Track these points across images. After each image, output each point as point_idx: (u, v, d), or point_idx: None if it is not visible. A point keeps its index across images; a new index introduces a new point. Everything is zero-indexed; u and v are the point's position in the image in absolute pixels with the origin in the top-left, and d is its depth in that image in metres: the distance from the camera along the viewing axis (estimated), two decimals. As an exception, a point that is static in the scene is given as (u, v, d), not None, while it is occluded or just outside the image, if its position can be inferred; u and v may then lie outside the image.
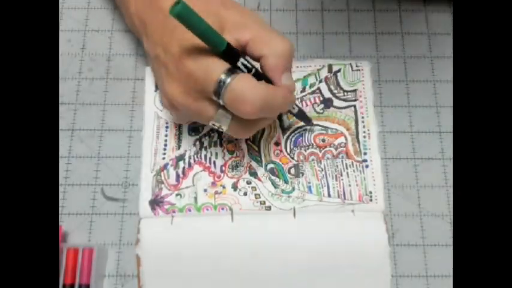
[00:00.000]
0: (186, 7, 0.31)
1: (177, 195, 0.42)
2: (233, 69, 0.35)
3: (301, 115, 0.42)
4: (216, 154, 0.43)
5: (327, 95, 0.45)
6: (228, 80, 0.34)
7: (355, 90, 0.45)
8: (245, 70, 0.35)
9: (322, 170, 0.43)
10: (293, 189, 0.42)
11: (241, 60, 0.35)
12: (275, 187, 0.42)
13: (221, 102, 0.35)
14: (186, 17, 0.32)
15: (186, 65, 0.35)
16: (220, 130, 0.38)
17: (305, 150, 0.43)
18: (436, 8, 0.49)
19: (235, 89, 0.34)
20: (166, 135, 0.43)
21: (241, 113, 0.35)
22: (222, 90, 0.34)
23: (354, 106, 0.45)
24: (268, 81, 0.37)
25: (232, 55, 0.35)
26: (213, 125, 0.37)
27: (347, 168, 0.43)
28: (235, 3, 0.39)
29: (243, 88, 0.34)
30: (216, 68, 0.34)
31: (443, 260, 0.41)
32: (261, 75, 0.36)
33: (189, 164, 0.43)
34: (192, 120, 0.42)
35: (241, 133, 0.39)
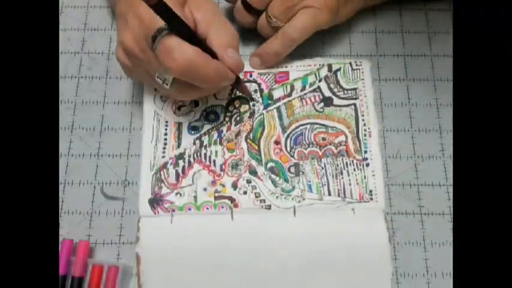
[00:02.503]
0: None
1: (176, 193, 0.42)
2: (173, 28, 0.36)
3: (242, 90, 0.44)
4: (216, 153, 0.43)
5: (327, 93, 0.45)
6: (165, 31, 0.35)
7: (355, 89, 0.45)
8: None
9: (323, 169, 0.42)
10: (293, 187, 0.42)
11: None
12: (275, 186, 0.42)
13: (154, 49, 0.36)
14: None
15: (139, 10, 0.36)
16: (164, 87, 0.38)
17: (305, 149, 0.43)
18: (436, 7, 0.49)
19: (167, 41, 0.35)
20: (166, 134, 0.43)
21: (165, 67, 0.36)
22: (157, 39, 0.35)
23: (354, 104, 0.45)
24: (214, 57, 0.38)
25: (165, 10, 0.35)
26: (158, 79, 0.38)
27: (347, 166, 0.42)
28: None
29: (175, 43, 0.35)
30: (159, 18, 0.35)
31: (444, 258, 0.40)
32: (202, 48, 0.37)
33: (189, 162, 0.43)
34: (141, 78, 0.42)
35: (180, 94, 0.40)
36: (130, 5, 0.38)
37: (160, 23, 0.35)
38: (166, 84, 0.38)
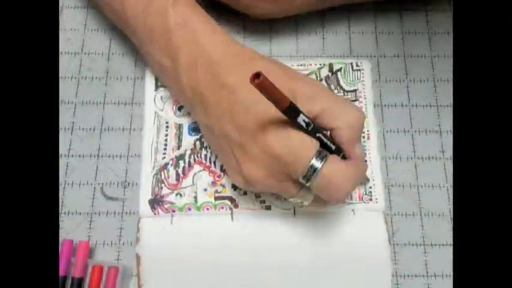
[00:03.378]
0: (266, 79, 0.29)
1: (177, 194, 0.42)
2: (321, 152, 0.33)
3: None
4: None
5: (327, 94, 0.45)
6: (319, 165, 0.33)
7: (355, 90, 0.45)
8: (304, 125, 0.33)
9: (323, 170, 0.42)
10: (293, 188, 0.42)
11: (302, 116, 0.33)
12: (275, 186, 0.42)
13: (309, 185, 0.34)
14: (268, 89, 0.30)
15: (273, 147, 0.33)
16: (300, 206, 0.37)
17: (305, 150, 0.43)
18: (436, 7, 0.49)
19: (327, 176, 0.33)
20: (166, 135, 0.43)
21: (332, 199, 0.34)
22: (313, 176, 0.33)
23: (354, 106, 0.44)
24: (335, 147, 0.35)
25: (294, 111, 0.32)
26: (294, 201, 0.36)
27: (347, 167, 0.42)
28: (301, 74, 0.38)
29: (336, 175, 0.33)
30: (305, 152, 0.33)
31: (444, 260, 0.41)
32: (322, 141, 0.35)
33: (189, 163, 0.43)
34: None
35: (321, 207, 0.39)
36: (246, 134, 0.34)
37: (307, 157, 0.33)
38: (302, 204, 0.36)
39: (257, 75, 0.29)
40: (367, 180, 0.42)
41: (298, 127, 0.33)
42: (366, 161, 0.41)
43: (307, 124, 0.33)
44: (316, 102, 0.35)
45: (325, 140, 0.35)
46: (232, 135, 0.35)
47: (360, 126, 0.36)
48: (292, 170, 0.33)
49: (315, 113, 0.35)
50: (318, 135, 0.34)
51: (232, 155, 0.35)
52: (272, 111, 0.32)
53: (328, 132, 0.36)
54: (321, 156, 0.33)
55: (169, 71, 0.39)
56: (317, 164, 0.33)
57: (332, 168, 0.33)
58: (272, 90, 0.30)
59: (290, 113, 0.32)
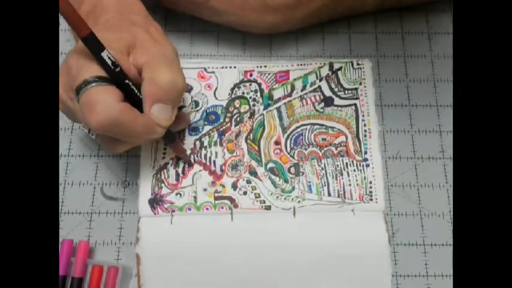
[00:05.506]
0: (68, 3, 0.32)
1: (176, 194, 0.42)
2: (106, 81, 0.34)
3: (176, 151, 0.42)
4: (216, 153, 0.43)
5: (328, 93, 0.45)
6: (91, 84, 0.33)
7: (356, 89, 0.45)
8: (109, 62, 0.34)
9: (323, 169, 0.42)
10: (293, 188, 0.42)
11: (106, 52, 0.34)
12: (275, 186, 0.42)
13: (77, 99, 0.34)
14: (68, 13, 0.32)
15: (69, 60, 0.35)
16: (91, 136, 0.37)
17: (305, 149, 0.43)
18: (436, 7, 0.49)
19: (90, 95, 0.33)
20: (166, 134, 0.43)
21: (86, 122, 0.34)
22: (81, 91, 0.33)
23: (355, 105, 0.44)
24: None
25: (95, 43, 0.33)
26: (83, 129, 0.37)
27: (347, 167, 0.42)
28: (161, 35, 0.39)
29: (98, 98, 0.33)
30: (89, 69, 0.33)
31: (444, 260, 0.40)
32: (127, 87, 0.35)
33: (189, 163, 0.43)
34: (73, 120, 0.40)
35: (106, 146, 0.37)
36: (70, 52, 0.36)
37: (86, 73, 0.33)
38: (92, 135, 0.37)
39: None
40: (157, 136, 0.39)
41: (102, 64, 0.34)
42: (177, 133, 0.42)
43: (113, 63, 0.34)
44: (145, 55, 0.35)
45: (132, 87, 0.35)
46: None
47: (167, 90, 0.35)
48: (72, 82, 0.34)
49: (139, 64, 0.35)
50: (126, 81, 0.35)
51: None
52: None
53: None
54: (100, 80, 0.33)
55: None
56: (91, 82, 0.33)
57: (100, 93, 0.33)
58: (72, 15, 0.32)
59: (90, 43, 0.33)
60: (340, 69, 0.46)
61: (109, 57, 0.34)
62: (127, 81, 0.35)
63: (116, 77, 0.34)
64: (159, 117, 0.36)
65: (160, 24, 0.49)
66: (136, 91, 0.36)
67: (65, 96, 0.35)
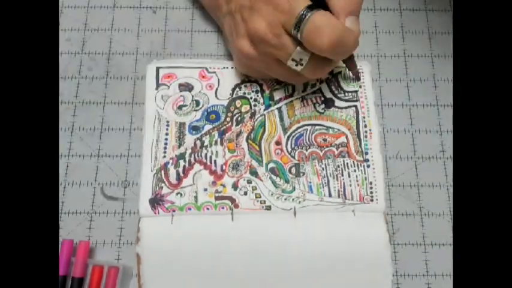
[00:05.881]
0: None
1: (177, 194, 0.42)
2: (312, 6, 0.37)
3: (351, 65, 0.43)
4: (217, 153, 0.43)
5: (328, 95, 0.45)
6: (309, 14, 0.36)
7: (356, 91, 0.45)
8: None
9: (323, 170, 0.42)
10: (294, 188, 0.42)
11: None
12: (276, 186, 0.42)
13: (299, 36, 0.37)
14: None
15: None
16: (297, 68, 0.39)
17: (306, 150, 0.43)
18: (436, 7, 0.49)
19: (315, 22, 0.36)
20: (166, 134, 0.43)
21: (317, 47, 0.37)
22: (302, 22, 0.36)
23: (355, 106, 0.45)
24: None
25: None
26: (292, 62, 0.39)
27: (348, 167, 0.42)
28: None
29: (322, 22, 0.36)
30: (300, 3, 0.37)
31: (444, 259, 0.41)
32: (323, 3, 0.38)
33: (190, 162, 0.43)
34: (262, 67, 0.42)
35: (315, 72, 0.40)
36: None
37: (300, 7, 0.37)
38: (302, 65, 0.39)
39: None
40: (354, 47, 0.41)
41: None
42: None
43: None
44: None
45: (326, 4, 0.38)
46: (244, 3, 0.40)
47: (357, 2, 0.39)
48: (287, 17, 0.37)
49: None
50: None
51: (241, 20, 0.40)
52: None
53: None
54: (312, 8, 0.37)
55: None
56: (307, 12, 0.36)
57: (321, 17, 0.36)
58: None
59: None
60: (339, 73, 0.46)
61: None
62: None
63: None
64: (356, 28, 0.39)
65: (161, 24, 0.49)
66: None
67: (270, 35, 0.38)
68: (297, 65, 0.39)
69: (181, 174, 0.42)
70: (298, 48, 0.38)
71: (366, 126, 0.44)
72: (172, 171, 0.42)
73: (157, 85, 0.45)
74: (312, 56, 0.38)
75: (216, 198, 0.41)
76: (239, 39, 0.41)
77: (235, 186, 0.42)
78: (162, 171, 0.42)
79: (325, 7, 0.38)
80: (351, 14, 0.38)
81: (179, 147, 0.43)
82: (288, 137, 0.43)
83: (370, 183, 0.42)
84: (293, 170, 0.42)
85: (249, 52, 0.40)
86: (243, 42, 0.40)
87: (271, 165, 0.43)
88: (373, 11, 0.49)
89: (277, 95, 0.45)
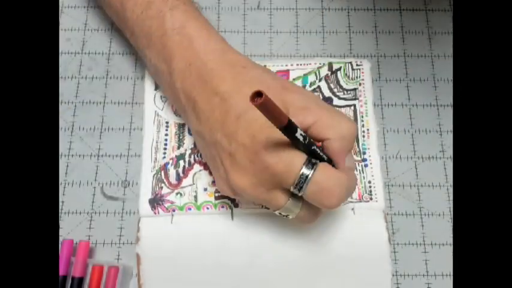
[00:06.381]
0: (268, 99, 0.28)
1: (177, 194, 0.42)
2: (311, 160, 0.33)
3: None
4: (216, 153, 0.43)
5: (327, 94, 0.45)
6: (310, 172, 0.32)
7: (355, 89, 0.45)
8: (302, 139, 0.32)
9: (323, 169, 0.42)
10: (293, 188, 0.42)
11: (299, 131, 0.32)
12: (275, 186, 0.42)
13: (300, 194, 0.33)
14: (269, 108, 0.29)
15: (264, 159, 0.33)
16: (285, 217, 0.36)
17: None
18: (436, 7, 0.49)
19: (319, 183, 0.32)
20: (166, 134, 0.43)
21: (325, 205, 0.33)
22: (304, 183, 0.32)
23: (354, 105, 0.45)
24: (327, 159, 0.35)
25: (291, 128, 0.31)
26: (280, 213, 0.36)
27: (347, 167, 0.42)
28: (295, 85, 0.38)
29: (328, 181, 0.33)
30: (297, 161, 0.33)
31: (444, 259, 0.41)
32: (316, 153, 0.34)
33: (190, 163, 0.43)
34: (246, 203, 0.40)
35: (307, 221, 0.37)
36: (236, 143, 0.34)
37: (298, 166, 0.32)
38: (289, 217, 0.36)
39: (258, 94, 0.28)
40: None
41: (294, 142, 0.32)
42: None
43: (304, 138, 0.33)
44: (308, 113, 0.34)
45: (319, 151, 0.34)
46: (222, 143, 0.35)
47: (351, 137, 0.35)
48: (283, 179, 0.33)
49: (306, 124, 0.34)
50: (313, 148, 0.34)
51: (221, 163, 0.35)
52: (263, 120, 0.30)
53: (320, 144, 0.35)
54: (311, 163, 0.33)
55: (164, 75, 0.39)
56: (307, 171, 0.32)
57: (323, 174, 0.33)
58: (273, 108, 0.29)
59: (288, 130, 0.31)
60: (339, 69, 0.46)
61: (301, 134, 0.32)
62: (314, 147, 0.34)
63: (308, 148, 0.33)
64: (352, 165, 0.35)
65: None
66: (319, 153, 0.34)
67: (257, 191, 0.34)
68: (284, 216, 0.36)
69: (181, 174, 0.42)
70: (290, 200, 0.34)
71: (363, 126, 0.44)
72: (172, 172, 0.42)
73: (156, 86, 0.45)
74: (304, 205, 0.35)
75: (216, 198, 0.42)
76: (219, 180, 0.37)
77: (235, 186, 0.42)
78: (162, 172, 0.42)
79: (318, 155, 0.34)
80: (349, 153, 0.35)
81: (179, 148, 0.43)
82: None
83: (369, 182, 0.42)
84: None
85: (231, 195, 0.37)
86: (223, 186, 0.36)
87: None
88: (373, 11, 0.49)
89: (277, 95, 0.45)
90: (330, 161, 0.35)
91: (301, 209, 0.35)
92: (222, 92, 0.35)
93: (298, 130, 0.32)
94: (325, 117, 0.34)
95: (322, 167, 0.33)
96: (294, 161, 0.33)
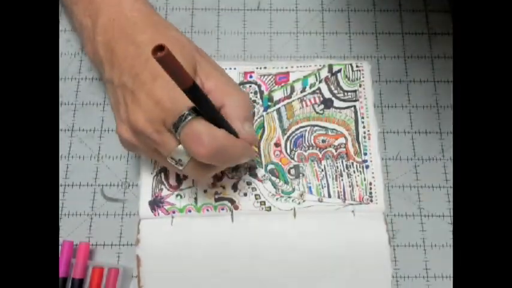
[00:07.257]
0: (170, 54, 0.28)
1: (177, 195, 0.42)
2: (197, 110, 0.34)
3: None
4: (216, 154, 0.43)
5: (327, 95, 0.45)
6: (190, 117, 0.33)
7: (355, 91, 0.45)
8: (204, 103, 0.33)
9: (322, 171, 0.42)
10: (293, 189, 0.42)
11: (203, 96, 0.33)
12: (275, 188, 0.42)
13: (177, 134, 0.34)
14: (168, 63, 0.28)
15: (156, 92, 0.35)
16: (177, 167, 0.36)
17: (305, 151, 0.43)
18: (436, 8, 0.49)
19: (193, 127, 0.33)
20: (166, 136, 0.43)
21: (193, 153, 0.34)
22: (181, 124, 0.33)
23: (354, 106, 0.45)
24: (230, 131, 0.35)
25: (195, 91, 0.32)
26: (171, 160, 0.36)
27: (347, 168, 0.43)
28: (207, 56, 0.41)
29: (202, 129, 0.33)
30: (183, 102, 0.33)
31: (444, 261, 0.41)
32: (222, 125, 0.35)
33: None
34: (146, 154, 0.39)
35: (196, 174, 0.37)
36: (139, 81, 0.35)
37: (182, 107, 0.34)
38: (181, 165, 0.36)
39: (160, 48, 0.27)
40: (254, 158, 0.42)
41: (198, 107, 0.33)
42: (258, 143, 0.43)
43: (207, 103, 0.33)
44: (211, 78, 0.37)
45: (221, 120, 0.35)
46: (127, 83, 0.36)
47: (245, 106, 0.37)
48: (167, 117, 0.34)
49: (207, 89, 0.36)
50: (215, 114, 0.35)
51: (124, 102, 0.37)
52: None
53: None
54: (195, 111, 0.34)
55: (87, 30, 0.41)
56: (188, 115, 0.34)
57: (200, 123, 0.34)
58: (175, 66, 0.28)
59: (191, 92, 0.31)
60: (339, 71, 0.46)
61: (205, 99, 0.33)
62: (216, 114, 0.35)
63: (210, 115, 0.34)
64: (251, 134, 0.37)
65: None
66: (222, 121, 0.35)
67: (150, 129, 0.35)
68: (176, 164, 0.36)
69: (181, 176, 0.42)
70: (179, 146, 0.35)
71: (364, 127, 0.44)
72: (172, 173, 0.42)
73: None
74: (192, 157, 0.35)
75: (216, 200, 0.42)
76: (119, 124, 0.37)
77: (235, 188, 0.42)
78: (162, 174, 0.42)
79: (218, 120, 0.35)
80: (245, 120, 0.36)
81: (179, 148, 0.43)
82: (287, 139, 0.43)
83: (370, 183, 0.42)
84: (292, 171, 0.42)
85: (128, 139, 0.37)
86: (123, 128, 0.37)
87: (270, 166, 0.43)
88: (373, 12, 0.49)
89: (276, 96, 0.45)
90: (232, 132, 0.36)
91: (190, 159, 0.35)
92: (139, 42, 0.37)
93: (202, 95, 0.33)
94: (223, 85, 0.37)
95: (204, 119, 0.34)
96: (181, 102, 0.34)
